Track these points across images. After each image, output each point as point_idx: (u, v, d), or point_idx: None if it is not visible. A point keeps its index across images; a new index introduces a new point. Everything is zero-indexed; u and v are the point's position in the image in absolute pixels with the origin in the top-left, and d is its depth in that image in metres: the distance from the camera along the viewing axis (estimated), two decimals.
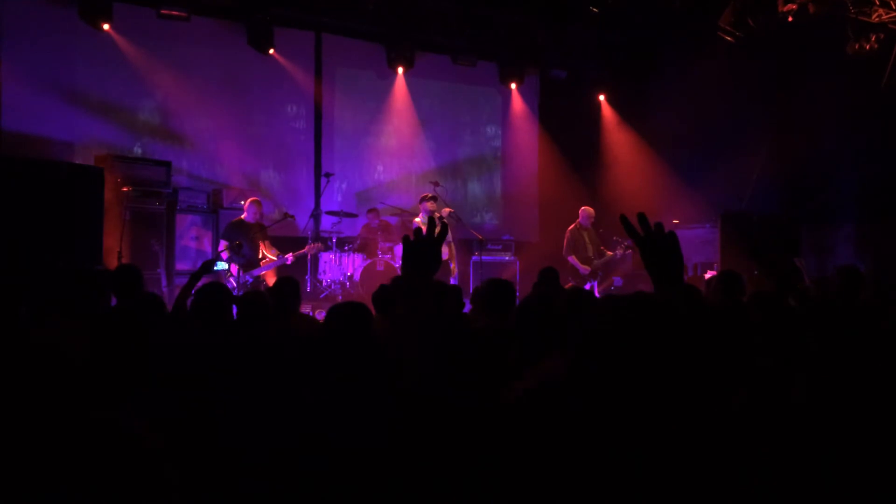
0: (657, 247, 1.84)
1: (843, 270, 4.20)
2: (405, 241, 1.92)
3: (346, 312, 2.51)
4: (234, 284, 7.33)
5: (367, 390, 2.11)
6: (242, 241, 7.58)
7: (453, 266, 8.79)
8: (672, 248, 1.85)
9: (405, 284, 1.92)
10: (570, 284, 7.80)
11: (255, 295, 3.82)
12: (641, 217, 1.92)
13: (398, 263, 8.78)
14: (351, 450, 1.87)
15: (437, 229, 1.96)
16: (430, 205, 8.46)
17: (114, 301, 4.16)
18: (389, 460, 1.82)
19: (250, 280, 7.50)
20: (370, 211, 9.81)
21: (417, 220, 8.53)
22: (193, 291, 3.66)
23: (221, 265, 7.50)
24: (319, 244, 8.34)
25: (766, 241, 8.57)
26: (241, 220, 7.86)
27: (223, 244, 7.60)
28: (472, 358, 2.69)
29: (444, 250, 8.56)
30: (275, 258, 7.76)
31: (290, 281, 4.18)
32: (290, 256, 7.73)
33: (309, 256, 8.79)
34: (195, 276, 4.41)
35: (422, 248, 1.91)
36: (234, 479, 1.91)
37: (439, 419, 1.78)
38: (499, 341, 2.79)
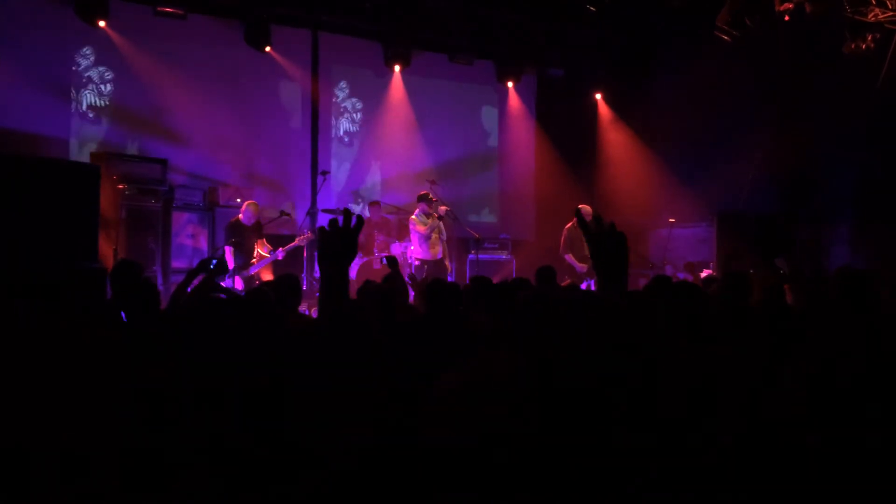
0: (603, 246, 1.88)
1: (842, 272, 4.12)
2: (321, 231, 1.97)
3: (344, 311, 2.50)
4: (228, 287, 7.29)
5: (365, 387, 2.10)
6: (239, 242, 7.57)
7: (447, 263, 8.79)
8: (618, 248, 1.89)
9: (321, 274, 1.98)
10: (567, 282, 7.81)
11: (258, 294, 3.80)
12: (597, 218, 1.96)
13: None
14: (353, 447, 1.86)
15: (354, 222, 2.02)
16: (426, 205, 8.48)
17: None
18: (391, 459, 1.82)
19: (241, 290, 7.43)
20: (372, 204, 9.66)
21: (413, 217, 8.53)
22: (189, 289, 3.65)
23: None
24: (309, 234, 8.25)
25: (764, 240, 8.59)
26: (238, 222, 7.81)
27: (229, 250, 7.55)
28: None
29: (439, 248, 8.57)
30: (267, 255, 7.74)
31: (290, 278, 4.15)
32: (280, 252, 7.71)
33: (305, 251, 8.77)
34: (192, 274, 4.40)
35: (337, 239, 1.95)
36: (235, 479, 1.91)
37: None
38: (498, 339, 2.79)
